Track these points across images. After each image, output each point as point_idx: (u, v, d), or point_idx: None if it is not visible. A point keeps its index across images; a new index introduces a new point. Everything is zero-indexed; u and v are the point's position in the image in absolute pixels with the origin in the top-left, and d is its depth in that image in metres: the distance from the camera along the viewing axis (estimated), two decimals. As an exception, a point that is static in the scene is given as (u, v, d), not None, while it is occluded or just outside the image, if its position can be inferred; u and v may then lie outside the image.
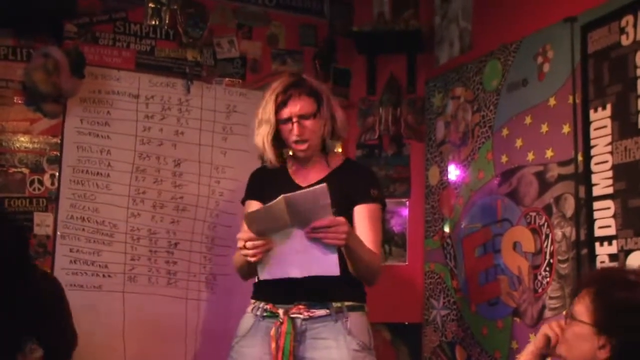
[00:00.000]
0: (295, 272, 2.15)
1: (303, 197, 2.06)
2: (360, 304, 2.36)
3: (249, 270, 2.32)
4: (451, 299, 3.30)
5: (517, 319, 2.86)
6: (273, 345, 2.23)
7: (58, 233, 3.08)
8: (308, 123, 2.35)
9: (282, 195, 2.03)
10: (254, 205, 2.43)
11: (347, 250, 2.20)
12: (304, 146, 2.36)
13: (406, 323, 3.53)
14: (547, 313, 2.70)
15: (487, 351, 3.03)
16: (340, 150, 3.56)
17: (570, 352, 1.78)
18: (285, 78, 2.42)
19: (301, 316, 2.27)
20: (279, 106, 2.35)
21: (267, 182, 2.46)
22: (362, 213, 2.36)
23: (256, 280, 2.37)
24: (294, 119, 2.33)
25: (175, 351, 3.22)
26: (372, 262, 2.31)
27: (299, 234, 2.11)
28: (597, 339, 1.70)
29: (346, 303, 2.31)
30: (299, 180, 2.42)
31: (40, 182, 3.09)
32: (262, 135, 2.38)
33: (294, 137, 2.35)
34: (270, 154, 2.40)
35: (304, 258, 2.13)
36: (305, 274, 2.15)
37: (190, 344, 3.24)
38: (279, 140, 2.41)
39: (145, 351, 3.15)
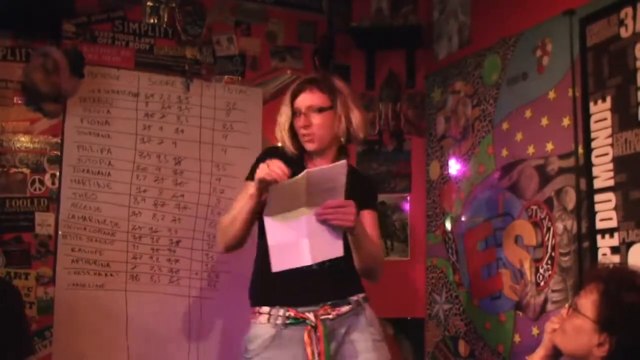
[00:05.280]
0: (305, 260, 2.13)
1: (323, 173, 2.09)
2: (367, 295, 2.39)
3: (239, 232, 2.25)
4: (453, 293, 3.30)
5: (520, 313, 2.87)
6: (309, 350, 2.18)
7: (60, 233, 3.08)
8: (315, 116, 2.33)
9: (306, 170, 2.05)
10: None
11: (353, 238, 2.21)
12: (307, 138, 2.35)
13: (409, 318, 3.53)
14: (550, 306, 2.71)
15: (490, 345, 3.03)
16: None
17: (566, 342, 1.78)
18: (312, 73, 2.41)
19: (330, 316, 2.25)
20: (293, 97, 2.36)
21: None
22: (367, 216, 2.38)
23: (255, 285, 2.36)
24: (303, 111, 2.33)
25: (178, 349, 3.22)
26: (376, 252, 2.34)
27: (307, 218, 2.12)
28: (597, 335, 1.71)
29: (360, 295, 2.34)
30: None
31: (41, 182, 3.09)
32: (281, 125, 2.39)
33: (299, 129, 2.35)
34: (288, 144, 2.38)
35: (311, 242, 2.13)
36: (315, 260, 2.14)
37: (193, 342, 3.24)
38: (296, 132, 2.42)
39: (148, 349, 3.15)
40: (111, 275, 3.15)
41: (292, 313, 2.23)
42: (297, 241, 2.14)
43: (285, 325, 2.23)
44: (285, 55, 3.63)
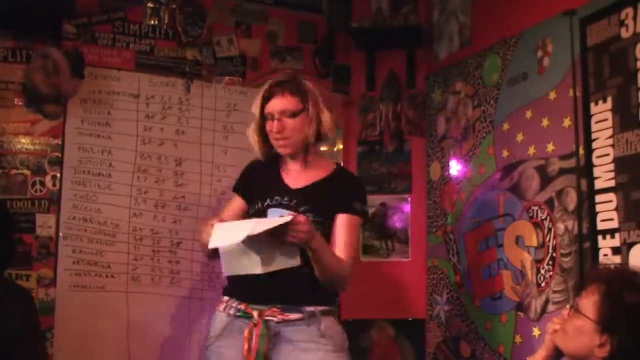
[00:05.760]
0: (257, 269, 2.14)
1: (266, 234, 2.08)
2: (332, 309, 2.38)
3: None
4: (454, 294, 3.30)
5: (521, 313, 2.86)
6: (246, 346, 2.25)
7: (60, 234, 3.08)
8: (289, 121, 2.34)
9: (247, 235, 2.04)
10: (237, 201, 2.50)
11: (310, 252, 2.21)
12: (281, 142, 2.37)
13: (410, 319, 3.53)
14: (551, 307, 2.70)
15: (491, 346, 3.03)
16: (341, 147, 3.58)
17: (567, 343, 1.79)
18: (279, 75, 2.46)
19: (275, 319, 2.28)
20: (264, 102, 2.38)
21: (258, 180, 2.47)
22: (340, 222, 2.38)
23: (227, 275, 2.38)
24: (276, 116, 2.35)
25: (179, 350, 3.22)
26: (337, 267, 2.31)
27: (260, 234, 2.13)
28: (598, 336, 1.71)
29: (319, 308, 2.32)
30: (290, 182, 2.42)
31: (42, 184, 3.09)
32: (251, 130, 2.44)
33: (272, 134, 2.37)
34: (257, 149, 2.44)
35: (265, 253, 2.14)
36: (267, 270, 2.14)
37: (194, 343, 3.24)
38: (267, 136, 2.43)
39: (149, 350, 3.15)
40: (112, 276, 3.15)
41: (242, 307, 2.31)
42: (249, 251, 2.14)
43: (236, 316, 2.31)
44: (286, 56, 3.63)
